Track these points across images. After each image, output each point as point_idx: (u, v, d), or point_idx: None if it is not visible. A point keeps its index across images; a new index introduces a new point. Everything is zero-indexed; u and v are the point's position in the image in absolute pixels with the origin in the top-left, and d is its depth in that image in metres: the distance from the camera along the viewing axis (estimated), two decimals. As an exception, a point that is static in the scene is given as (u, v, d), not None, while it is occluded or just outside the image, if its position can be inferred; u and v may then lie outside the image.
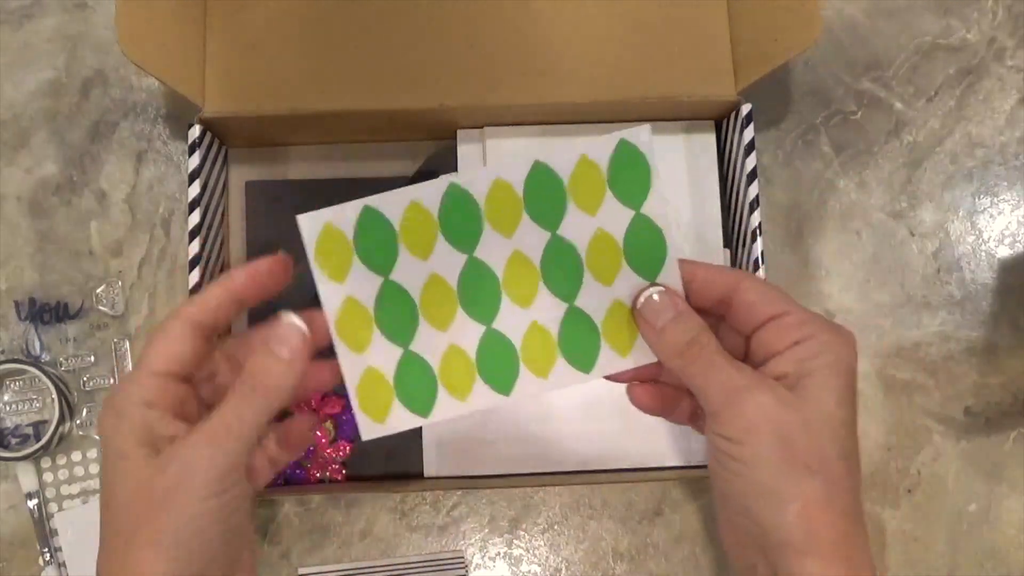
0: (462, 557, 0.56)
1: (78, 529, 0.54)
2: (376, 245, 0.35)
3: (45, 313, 0.56)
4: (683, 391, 0.39)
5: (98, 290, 0.56)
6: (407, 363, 0.36)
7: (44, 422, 0.55)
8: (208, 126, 0.51)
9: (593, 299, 0.37)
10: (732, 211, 0.54)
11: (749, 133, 0.50)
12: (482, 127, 0.54)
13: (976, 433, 0.57)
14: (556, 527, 0.56)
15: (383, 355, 0.36)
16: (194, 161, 0.50)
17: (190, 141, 0.50)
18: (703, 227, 0.54)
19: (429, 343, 0.36)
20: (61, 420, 0.54)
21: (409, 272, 0.36)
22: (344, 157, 0.57)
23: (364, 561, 0.55)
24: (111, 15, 0.48)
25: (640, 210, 0.36)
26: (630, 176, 0.36)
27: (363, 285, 0.35)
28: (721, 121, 0.55)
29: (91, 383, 0.56)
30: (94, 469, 0.55)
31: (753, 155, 0.50)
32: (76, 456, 0.55)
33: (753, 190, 0.50)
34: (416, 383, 0.37)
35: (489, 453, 0.53)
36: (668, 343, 0.35)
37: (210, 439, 0.33)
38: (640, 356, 0.37)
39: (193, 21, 0.52)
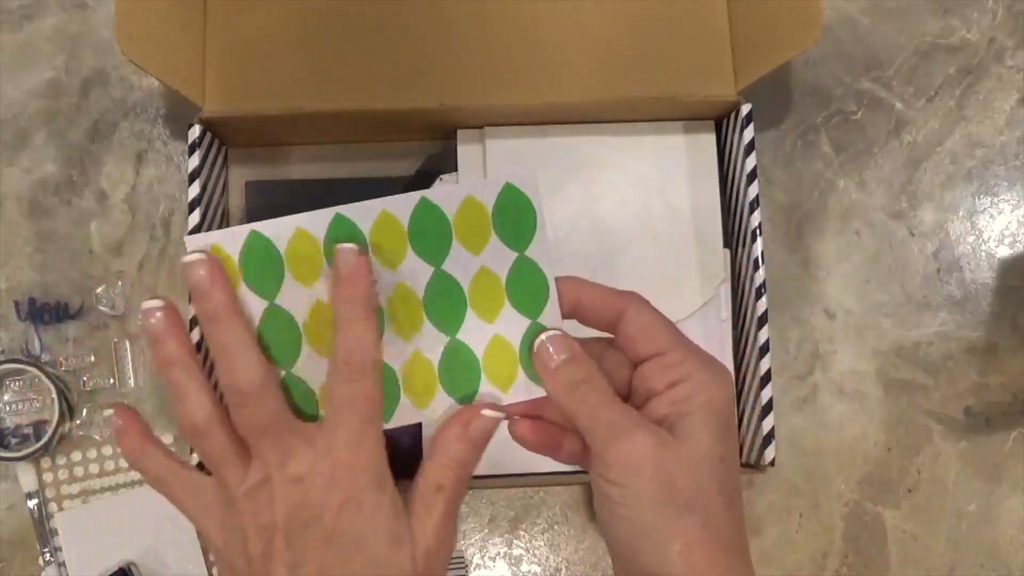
0: (462, 557, 0.56)
1: (78, 529, 0.54)
2: (261, 269, 0.36)
3: (45, 313, 0.56)
4: (566, 430, 0.39)
5: (98, 290, 0.56)
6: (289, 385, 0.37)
7: (44, 422, 0.55)
8: (208, 126, 0.51)
9: (473, 334, 0.38)
10: (732, 211, 0.54)
11: (749, 133, 0.50)
12: (482, 127, 0.54)
13: (976, 433, 0.57)
14: (556, 527, 0.56)
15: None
16: (194, 161, 0.50)
17: (190, 141, 0.50)
18: (703, 227, 0.54)
19: (312, 367, 0.37)
20: (61, 420, 0.54)
21: (292, 298, 0.36)
22: (344, 157, 0.57)
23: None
24: (111, 15, 0.48)
25: (524, 252, 0.37)
26: (515, 218, 0.37)
27: (248, 307, 0.36)
28: (721, 121, 0.55)
29: (91, 383, 0.56)
30: (94, 469, 0.55)
31: (753, 155, 0.50)
32: (76, 456, 0.55)
33: (753, 190, 0.50)
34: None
35: (489, 453, 0.52)
36: (560, 383, 0.36)
37: None
38: (520, 392, 0.38)
39: (193, 21, 0.52)
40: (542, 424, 0.39)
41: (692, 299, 0.53)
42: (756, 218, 0.50)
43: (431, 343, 0.38)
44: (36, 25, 0.58)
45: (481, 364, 0.38)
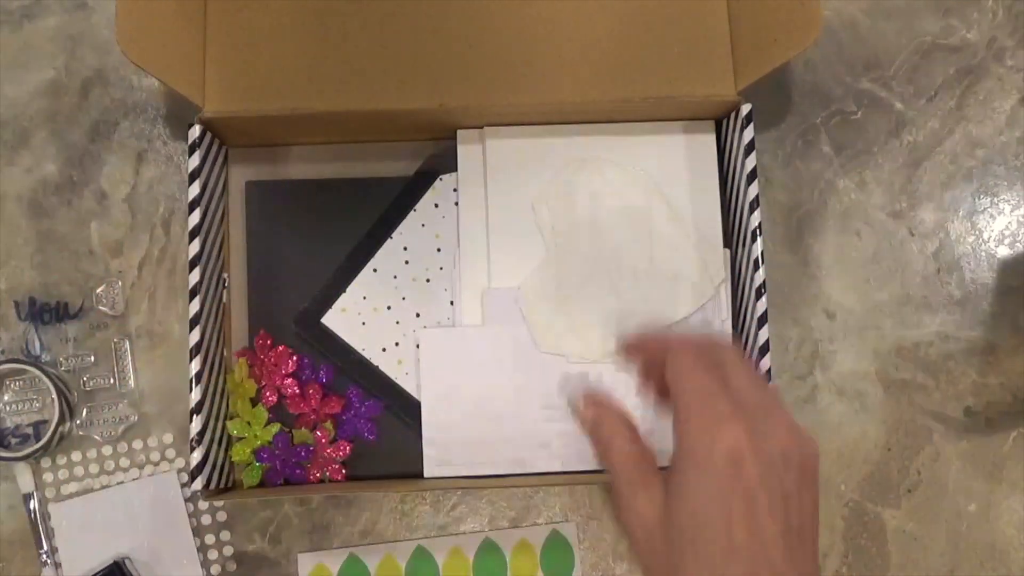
0: (462, 557, 0.56)
1: (72, 522, 0.54)
2: None
3: (45, 313, 0.56)
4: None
5: (98, 290, 0.56)
6: None
7: (44, 422, 0.55)
8: (208, 126, 0.51)
9: None
10: (732, 211, 0.54)
11: (749, 133, 0.50)
12: (482, 127, 0.54)
13: (976, 433, 0.57)
14: (556, 527, 0.56)
15: None
16: (194, 161, 0.50)
17: (190, 141, 0.50)
18: (703, 227, 0.54)
19: None
20: (61, 420, 0.54)
21: None
22: (344, 157, 0.57)
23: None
24: (111, 15, 0.48)
25: None
26: (558, 557, 0.55)
27: None
28: (721, 121, 0.55)
29: (91, 383, 0.56)
30: (94, 469, 0.55)
31: (753, 155, 0.50)
32: (76, 456, 0.55)
33: (753, 190, 0.50)
34: None
35: (489, 453, 0.53)
36: (585, 430, 0.36)
37: None
38: None
39: (193, 21, 0.52)
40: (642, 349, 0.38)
41: (692, 299, 0.53)
42: (756, 218, 0.50)
43: None
44: (36, 25, 0.58)
45: None
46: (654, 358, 0.35)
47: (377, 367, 0.54)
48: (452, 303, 0.55)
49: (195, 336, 0.48)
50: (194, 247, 0.49)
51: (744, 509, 0.30)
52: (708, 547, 0.30)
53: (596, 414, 0.36)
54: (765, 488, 0.30)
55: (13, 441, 0.55)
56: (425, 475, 0.52)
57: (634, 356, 0.37)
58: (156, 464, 0.55)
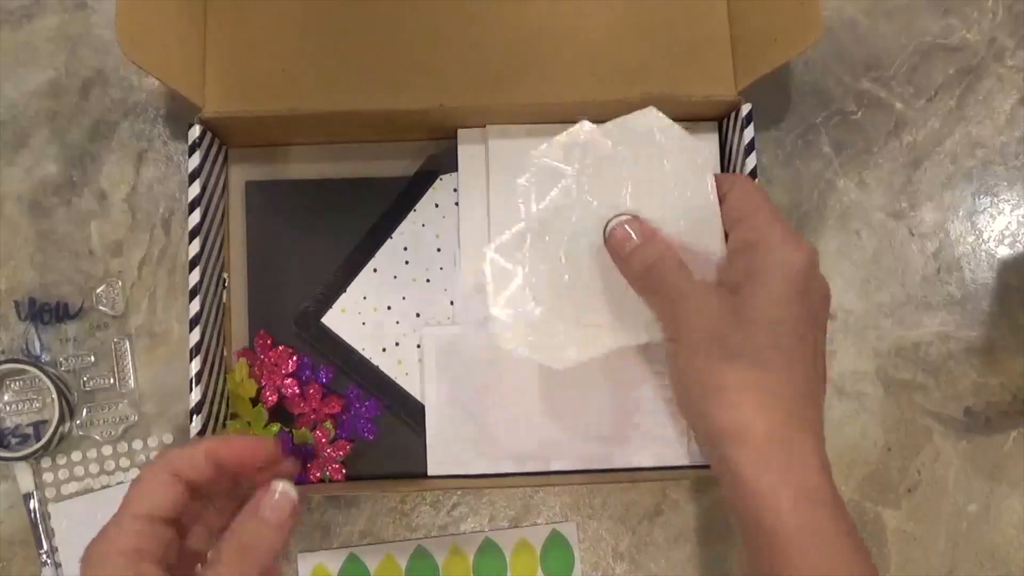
0: (462, 557, 0.56)
1: (74, 526, 0.54)
2: None
3: (45, 313, 0.56)
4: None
5: (98, 290, 0.56)
6: None
7: (44, 422, 0.55)
8: (208, 126, 0.51)
9: None
10: (732, 211, 0.54)
11: (749, 133, 0.50)
12: (483, 127, 0.54)
13: (976, 433, 0.57)
14: (556, 527, 0.56)
15: None
16: (194, 161, 0.50)
17: (190, 141, 0.50)
18: (703, 227, 0.54)
19: None
20: (61, 420, 0.54)
21: None
22: (344, 157, 0.57)
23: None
24: (111, 15, 0.48)
25: None
26: (558, 557, 0.54)
27: None
28: (721, 121, 0.55)
29: (91, 383, 0.56)
30: (94, 469, 0.55)
31: (753, 155, 0.50)
32: (76, 456, 0.55)
33: (753, 190, 0.50)
34: None
35: (489, 453, 0.53)
36: (632, 269, 0.40)
37: None
38: None
39: (193, 21, 0.52)
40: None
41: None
42: (756, 218, 0.50)
43: None
44: (36, 25, 0.58)
45: None
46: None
47: (377, 367, 0.54)
48: (452, 303, 0.54)
49: (195, 336, 0.48)
50: (194, 247, 0.49)
51: (806, 314, 0.37)
52: (787, 340, 0.36)
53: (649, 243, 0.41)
54: (822, 307, 0.38)
55: (13, 441, 0.55)
56: (429, 474, 0.52)
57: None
58: (156, 464, 0.55)
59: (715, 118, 0.55)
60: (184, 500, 0.35)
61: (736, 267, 0.38)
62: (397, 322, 0.54)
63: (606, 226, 0.40)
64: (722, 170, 0.55)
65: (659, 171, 0.43)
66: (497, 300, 0.44)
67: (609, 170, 0.43)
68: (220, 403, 0.52)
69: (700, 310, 0.37)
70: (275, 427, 0.53)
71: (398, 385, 0.54)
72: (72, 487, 0.55)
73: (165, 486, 0.35)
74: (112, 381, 0.56)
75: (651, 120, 0.43)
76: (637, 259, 0.40)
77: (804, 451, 0.34)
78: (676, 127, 0.43)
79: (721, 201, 0.42)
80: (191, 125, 0.50)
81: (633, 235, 0.40)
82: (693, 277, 0.39)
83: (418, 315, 0.54)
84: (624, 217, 0.40)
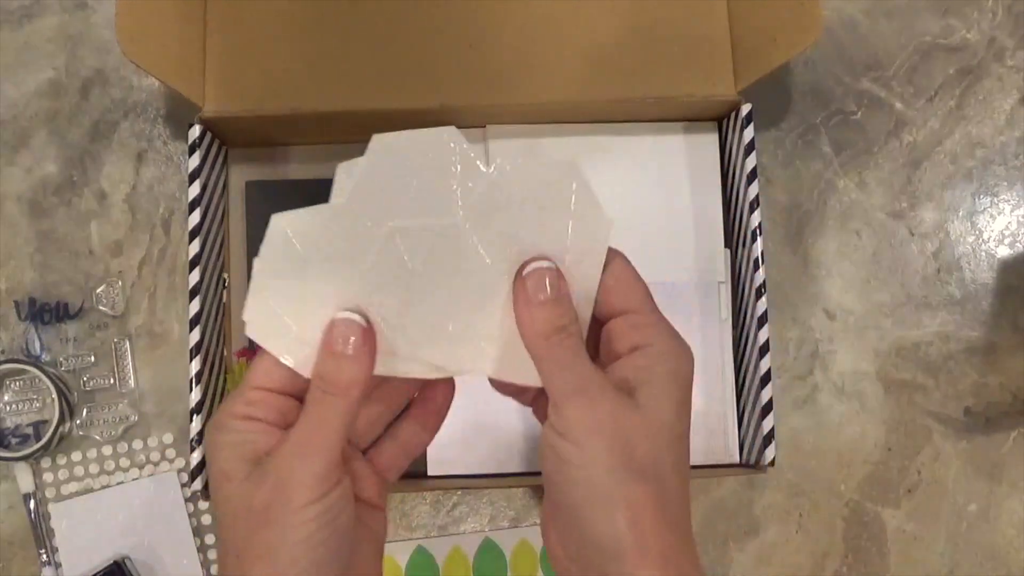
0: (462, 557, 0.56)
1: (73, 521, 0.54)
2: None
3: (45, 313, 0.56)
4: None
5: (98, 290, 0.56)
6: None
7: (44, 422, 0.55)
8: (208, 126, 0.51)
9: None
10: (732, 211, 0.54)
11: (749, 133, 0.50)
12: (483, 127, 0.54)
13: (976, 433, 0.57)
14: (556, 527, 0.56)
15: None
16: (194, 161, 0.50)
17: (190, 141, 0.50)
18: (703, 227, 0.54)
19: None
20: (61, 420, 0.54)
21: None
22: (344, 157, 0.56)
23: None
24: (111, 15, 0.48)
25: None
26: None
27: None
28: (721, 121, 0.55)
29: (91, 383, 0.56)
30: (94, 469, 0.55)
31: (753, 155, 0.50)
32: (76, 456, 0.55)
33: (753, 190, 0.50)
34: None
35: (489, 453, 0.53)
36: (536, 323, 0.34)
37: (298, 449, 0.33)
38: None
39: (193, 21, 0.52)
40: None
41: (692, 299, 0.53)
42: (756, 218, 0.50)
43: None
44: (36, 25, 0.58)
45: None
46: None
47: (377, 367, 0.54)
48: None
49: (195, 336, 0.48)
50: (194, 247, 0.49)
51: (689, 427, 0.35)
52: (682, 457, 0.35)
53: None
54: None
55: (13, 441, 0.55)
56: (429, 474, 0.52)
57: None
58: (156, 464, 0.55)
59: (715, 118, 0.55)
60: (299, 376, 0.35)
61: (626, 367, 0.35)
62: (397, 322, 0.54)
63: (526, 263, 0.35)
64: (722, 170, 0.55)
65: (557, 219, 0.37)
66: None
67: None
68: (220, 403, 0.52)
69: (603, 411, 0.33)
70: (275, 427, 0.53)
71: (398, 385, 0.54)
72: (72, 487, 0.55)
73: (277, 363, 0.35)
74: (112, 381, 0.56)
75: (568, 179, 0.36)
76: (547, 314, 0.35)
77: (692, 565, 0.34)
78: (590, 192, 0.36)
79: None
80: (191, 125, 0.50)
81: (549, 288, 0.35)
82: (593, 369, 0.34)
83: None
84: (546, 264, 0.35)
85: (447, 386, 0.39)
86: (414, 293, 0.36)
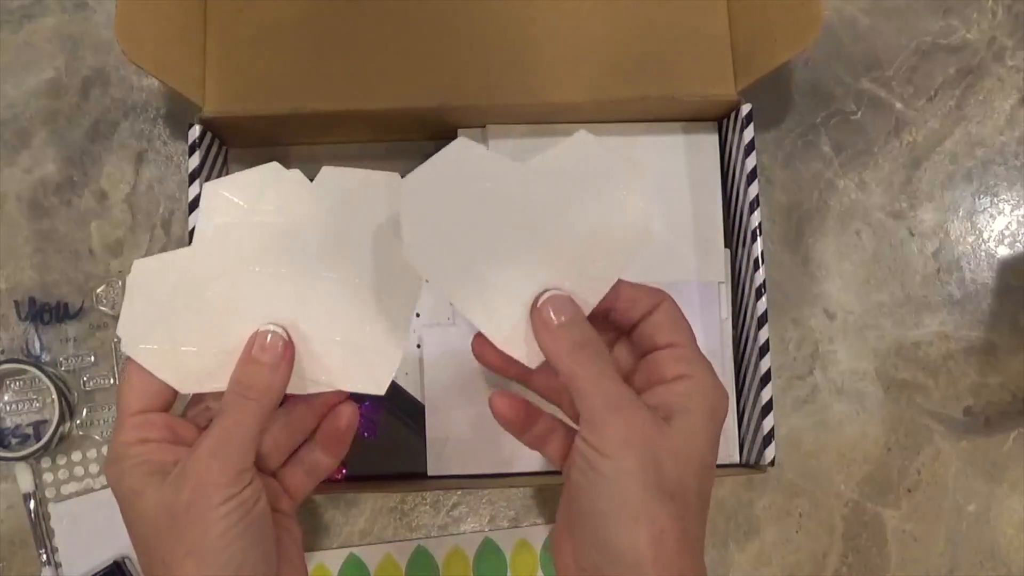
0: (462, 557, 0.56)
1: (72, 522, 0.54)
2: None
3: (45, 313, 0.56)
4: (540, 413, 0.41)
5: (98, 290, 0.56)
6: None
7: (44, 422, 0.55)
8: (208, 126, 0.51)
9: None
10: (732, 211, 0.54)
11: (749, 133, 0.50)
12: (483, 127, 0.54)
13: (976, 433, 0.57)
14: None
15: None
16: (194, 161, 0.50)
17: (190, 141, 0.50)
18: (703, 227, 0.54)
19: None
20: (61, 420, 0.54)
21: None
22: (344, 157, 0.57)
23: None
24: (111, 15, 0.48)
25: None
26: None
27: None
28: (721, 121, 0.55)
29: (91, 383, 0.56)
30: (94, 469, 0.55)
31: (753, 155, 0.50)
32: (76, 456, 0.55)
33: (753, 190, 0.50)
34: None
35: (489, 453, 0.53)
36: (562, 342, 0.36)
37: (215, 449, 0.36)
38: None
39: (193, 21, 0.52)
40: (522, 401, 0.40)
41: (692, 299, 0.53)
42: (756, 218, 0.50)
43: None
44: (36, 25, 0.58)
45: None
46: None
47: (377, 367, 0.54)
48: (452, 303, 0.54)
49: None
50: (194, 247, 0.49)
51: (716, 446, 0.37)
52: (706, 486, 0.36)
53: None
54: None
55: (13, 441, 0.55)
56: (429, 474, 0.52)
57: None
58: (156, 464, 0.55)
59: (715, 118, 0.55)
60: (171, 389, 0.38)
61: (669, 392, 0.36)
62: (397, 322, 0.54)
63: (537, 298, 0.37)
64: (722, 171, 0.55)
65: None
66: None
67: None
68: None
69: (638, 428, 0.34)
70: (275, 427, 0.53)
71: (398, 385, 0.54)
72: (72, 487, 0.55)
73: (149, 376, 0.38)
74: (112, 381, 0.56)
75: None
76: (569, 334, 0.36)
77: None
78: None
79: (639, 317, 0.39)
80: (191, 125, 0.50)
81: (562, 312, 0.37)
82: (625, 385, 0.36)
83: (418, 315, 0.54)
84: (557, 292, 0.37)
85: (351, 413, 0.41)
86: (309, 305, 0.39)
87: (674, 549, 0.34)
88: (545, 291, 0.37)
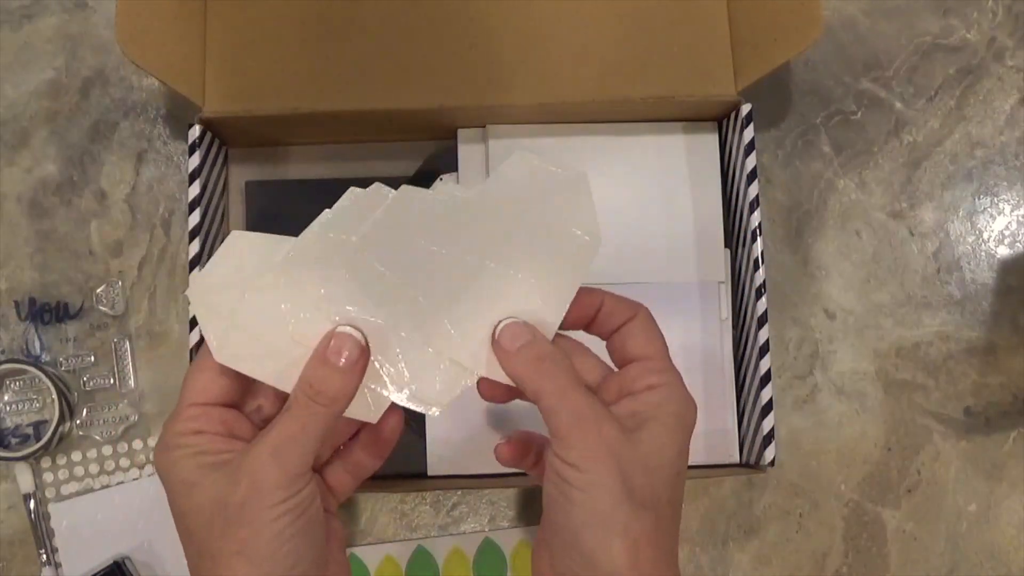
0: (462, 557, 0.56)
1: (73, 521, 0.54)
2: None
3: (45, 313, 0.56)
4: (531, 443, 0.42)
5: (98, 290, 0.56)
6: None
7: (44, 422, 0.55)
8: (208, 126, 0.51)
9: None
10: (732, 211, 0.54)
11: (749, 133, 0.50)
12: (483, 127, 0.54)
13: (976, 433, 0.57)
14: (556, 527, 0.56)
15: None
16: (194, 161, 0.50)
17: (190, 141, 0.50)
18: (703, 227, 0.54)
19: None
20: (61, 420, 0.54)
21: None
22: (344, 157, 0.57)
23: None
24: (111, 15, 0.48)
25: None
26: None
27: None
28: (721, 121, 0.55)
29: (91, 383, 0.56)
30: (94, 469, 0.55)
31: (753, 155, 0.50)
32: (76, 456, 0.55)
33: (753, 190, 0.50)
34: None
35: (489, 453, 0.52)
36: (522, 359, 0.37)
37: (274, 450, 0.35)
38: None
39: (193, 21, 0.52)
40: (516, 441, 0.42)
41: (692, 299, 0.53)
42: (756, 218, 0.50)
43: None
44: (36, 25, 0.58)
45: None
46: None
47: (377, 367, 0.54)
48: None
49: (195, 336, 0.48)
50: (194, 247, 0.49)
51: (686, 453, 0.38)
52: (678, 493, 0.37)
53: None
54: None
55: (13, 441, 0.55)
56: (429, 474, 0.52)
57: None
58: (156, 464, 0.55)
59: (715, 118, 0.55)
60: (239, 385, 0.37)
61: (639, 401, 0.37)
62: (397, 322, 0.54)
63: (495, 329, 0.37)
64: (722, 170, 0.55)
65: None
66: None
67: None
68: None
69: (607, 440, 0.35)
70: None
71: (398, 385, 0.54)
72: (72, 487, 0.55)
73: (217, 373, 0.37)
74: (112, 381, 0.56)
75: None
76: (528, 351, 0.37)
77: None
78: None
79: (615, 327, 0.39)
80: (191, 125, 0.50)
81: (518, 337, 0.37)
82: (593, 397, 0.36)
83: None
84: (511, 320, 0.37)
85: (396, 419, 0.40)
86: (398, 313, 0.37)
87: (649, 557, 0.34)
88: (500, 321, 0.37)
